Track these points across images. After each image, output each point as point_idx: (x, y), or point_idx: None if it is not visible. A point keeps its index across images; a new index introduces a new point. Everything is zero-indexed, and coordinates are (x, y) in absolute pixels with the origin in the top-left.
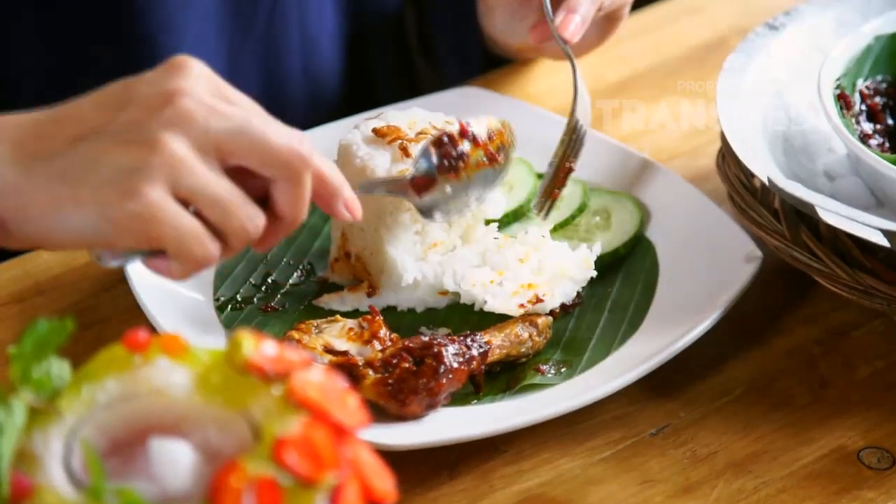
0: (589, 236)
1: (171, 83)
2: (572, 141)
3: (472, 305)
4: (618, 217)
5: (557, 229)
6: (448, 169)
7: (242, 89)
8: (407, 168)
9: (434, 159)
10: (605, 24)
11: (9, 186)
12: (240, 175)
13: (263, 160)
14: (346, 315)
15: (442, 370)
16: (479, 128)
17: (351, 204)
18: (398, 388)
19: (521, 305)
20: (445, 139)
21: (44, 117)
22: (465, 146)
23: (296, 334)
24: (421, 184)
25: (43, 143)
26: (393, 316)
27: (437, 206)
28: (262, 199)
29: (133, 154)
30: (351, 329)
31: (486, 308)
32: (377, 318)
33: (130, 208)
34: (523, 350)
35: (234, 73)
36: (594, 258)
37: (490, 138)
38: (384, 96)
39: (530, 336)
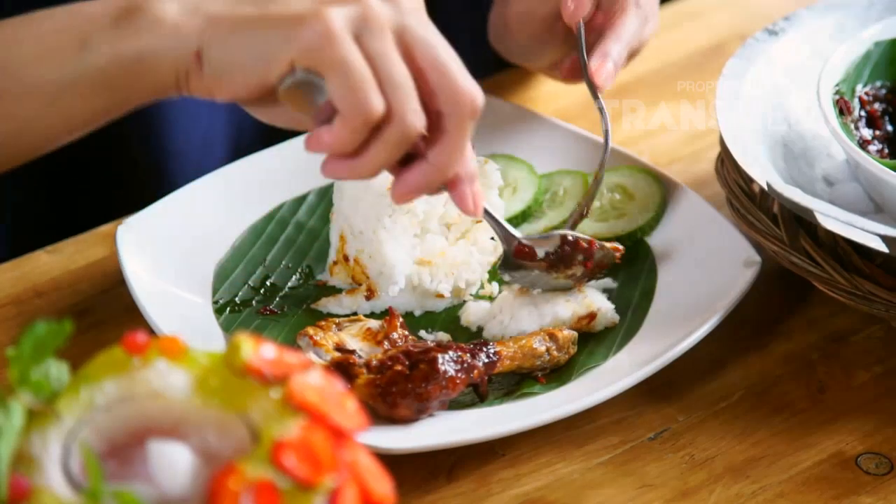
0: (617, 213)
1: None
2: (595, 193)
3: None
4: (634, 187)
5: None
6: (552, 264)
7: None
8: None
9: (552, 249)
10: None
11: (210, 15)
12: None
13: (445, 84)
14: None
15: (434, 376)
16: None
17: (478, 197)
18: (387, 389)
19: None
20: (571, 241)
21: None
22: (579, 259)
23: (311, 330)
24: (524, 250)
25: None
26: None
27: (515, 270)
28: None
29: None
30: (369, 329)
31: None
32: (395, 320)
33: (315, 27)
34: (538, 363)
35: None
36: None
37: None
38: None
39: (548, 350)
